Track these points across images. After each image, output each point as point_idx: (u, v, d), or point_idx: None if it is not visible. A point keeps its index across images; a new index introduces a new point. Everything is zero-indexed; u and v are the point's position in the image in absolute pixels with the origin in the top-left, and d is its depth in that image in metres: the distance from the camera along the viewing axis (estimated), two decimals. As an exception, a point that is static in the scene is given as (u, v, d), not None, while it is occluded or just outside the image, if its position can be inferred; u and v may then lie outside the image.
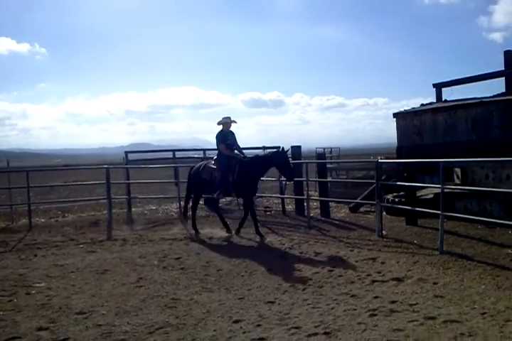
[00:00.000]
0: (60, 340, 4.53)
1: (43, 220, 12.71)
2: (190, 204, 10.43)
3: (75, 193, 18.66)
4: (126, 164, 13.66)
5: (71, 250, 8.76)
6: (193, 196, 10.37)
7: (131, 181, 13.56)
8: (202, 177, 9.83)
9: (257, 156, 9.97)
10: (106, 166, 12.39)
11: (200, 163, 10.37)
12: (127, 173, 13.36)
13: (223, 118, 9.71)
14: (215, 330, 4.66)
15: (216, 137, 9.66)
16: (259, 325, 4.74)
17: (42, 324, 4.95)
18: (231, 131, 9.78)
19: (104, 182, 12.10)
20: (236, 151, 9.70)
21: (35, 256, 8.35)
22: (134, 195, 14.28)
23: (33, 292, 6.13)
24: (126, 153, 14.06)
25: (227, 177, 9.36)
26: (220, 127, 9.74)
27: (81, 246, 9.11)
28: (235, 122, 9.78)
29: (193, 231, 9.97)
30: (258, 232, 9.31)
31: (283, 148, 9.48)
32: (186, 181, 10.46)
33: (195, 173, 10.09)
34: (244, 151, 9.92)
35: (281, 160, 9.21)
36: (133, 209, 13.56)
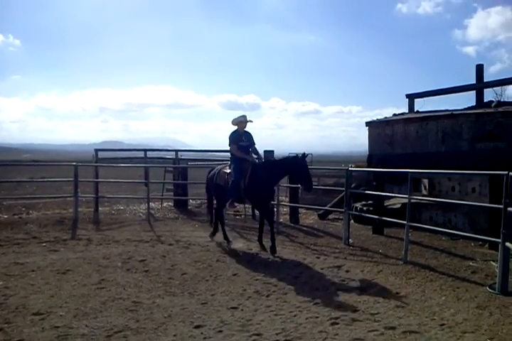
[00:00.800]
0: (13, 342, 4.40)
1: (5, 216, 12.36)
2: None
3: (42, 190, 18.27)
4: (95, 162, 13.44)
5: (33, 248, 8.55)
6: (215, 203, 9.48)
7: (99, 180, 13.34)
8: (217, 183, 9.06)
9: (272, 160, 9.25)
10: (74, 163, 12.17)
11: (217, 167, 9.53)
12: (96, 171, 13.14)
13: (238, 117, 8.78)
14: (175, 335, 4.60)
15: (229, 137, 8.73)
16: (220, 331, 4.70)
17: (-4, 324, 4.80)
18: (247, 132, 8.82)
19: (72, 179, 11.89)
20: (254, 155, 8.80)
21: (-5, 253, 8.11)
22: (102, 194, 14.06)
23: (-10, 291, 5.95)
24: (96, 150, 13.85)
25: (239, 182, 8.41)
26: (235, 127, 8.81)
27: (44, 244, 8.91)
28: (251, 122, 8.82)
29: (221, 240, 9.21)
30: (273, 247, 8.20)
31: (303, 154, 8.38)
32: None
33: (211, 178, 9.33)
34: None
35: (299, 167, 8.16)
36: (100, 209, 13.33)
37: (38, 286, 6.18)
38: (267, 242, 8.44)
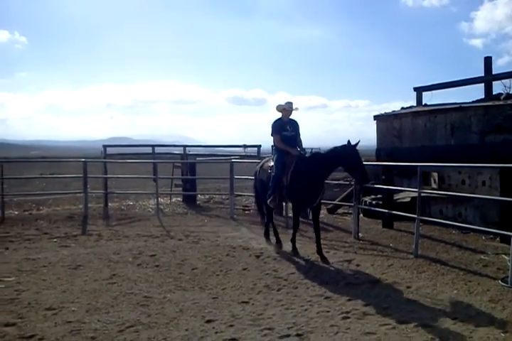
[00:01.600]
0: (27, 337, 4.42)
1: (16, 213, 12.45)
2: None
3: (51, 186, 18.35)
4: (104, 158, 13.48)
5: (44, 244, 8.60)
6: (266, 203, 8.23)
7: (108, 176, 13.39)
8: (260, 178, 8.34)
9: (319, 153, 7.91)
10: (83, 160, 12.21)
11: (263, 160, 8.73)
12: (105, 167, 13.19)
13: (283, 104, 7.87)
14: (186, 330, 4.61)
15: (271, 126, 7.88)
16: (231, 325, 4.71)
17: (9, 319, 4.83)
18: (293, 121, 7.94)
19: (81, 175, 11.95)
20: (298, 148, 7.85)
21: (7, 249, 8.17)
22: (111, 189, 14.11)
23: (2, 286, 5.98)
24: (105, 146, 13.89)
25: (280, 178, 7.55)
26: (279, 114, 7.95)
27: (54, 240, 8.95)
28: (296, 109, 7.89)
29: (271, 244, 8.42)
30: (319, 252, 7.46)
31: (349, 141, 7.06)
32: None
33: (255, 173, 8.62)
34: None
35: (351, 158, 7.05)
36: (109, 204, 13.39)
37: (50, 282, 6.22)
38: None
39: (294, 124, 7.94)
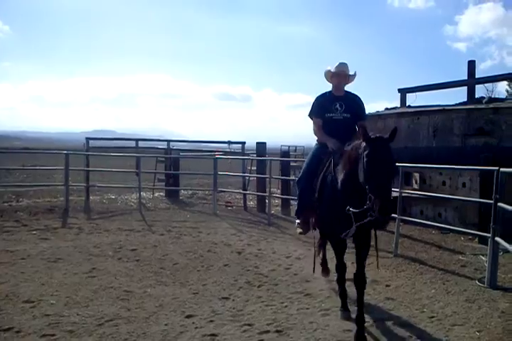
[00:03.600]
0: (4, 329, 4.37)
1: (-5, 204, 12.29)
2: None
3: (32, 178, 18.14)
4: (86, 151, 13.35)
5: (23, 236, 8.50)
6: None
7: (90, 168, 13.26)
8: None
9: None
10: (65, 152, 12.08)
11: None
12: (87, 160, 13.06)
13: (335, 67, 5.13)
14: (166, 325, 4.61)
15: (312, 104, 5.29)
16: (211, 321, 4.72)
17: (-14, 312, 4.78)
18: (349, 95, 5.20)
19: (63, 168, 11.82)
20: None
21: (-15, 240, 8.06)
22: (93, 182, 13.98)
23: (-21, 278, 5.92)
24: (88, 139, 13.75)
25: (309, 181, 4.99)
26: (329, 87, 5.25)
27: (34, 232, 8.85)
28: (353, 76, 5.22)
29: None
30: (360, 309, 4.44)
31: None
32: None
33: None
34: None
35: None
36: (91, 198, 13.25)
37: (29, 274, 6.15)
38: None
39: (351, 101, 5.12)
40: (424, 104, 12.99)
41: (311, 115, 5.28)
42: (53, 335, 4.29)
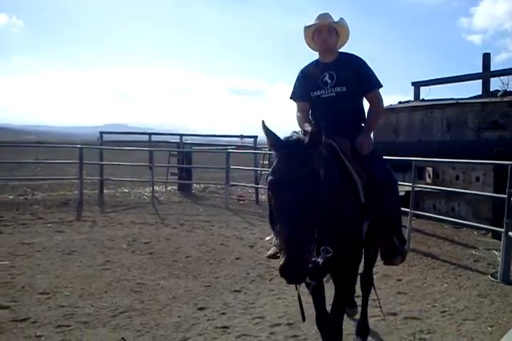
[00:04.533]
0: (20, 320, 4.46)
1: (11, 197, 12.45)
2: None
3: (46, 171, 18.32)
4: (100, 145, 13.46)
5: (38, 229, 8.63)
6: None
7: (104, 162, 13.38)
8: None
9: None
10: (79, 146, 12.20)
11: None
12: (101, 154, 13.18)
13: (316, 18, 3.62)
14: (179, 316, 4.66)
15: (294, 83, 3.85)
16: (223, 313, 4.76)
17: (3, 302, 4.87)
18: (341, 58, 3.62)
19: (77, 161, 11.95)
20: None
21: (1, 233, 8.20)
22: (106, 176, 14.10)
23: (-3, 269, 6.03)
24: (101, 133, 13.86)
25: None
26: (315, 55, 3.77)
27: (49, 225, 8.97)
28: (343, 28, 3.66)
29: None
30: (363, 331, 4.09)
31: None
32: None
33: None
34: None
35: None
36: (105, 191, 13.38)
37: (44, 266, 6.25)
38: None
39: (345, 67, 3.52)
40: (438, 98, 12.91)
41: (292, 97, 3.83)
42: (68, 326, 4.36)
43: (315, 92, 3.60)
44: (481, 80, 12.63)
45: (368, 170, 3.25)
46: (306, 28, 3.65)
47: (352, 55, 3.63)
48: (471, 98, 11.71)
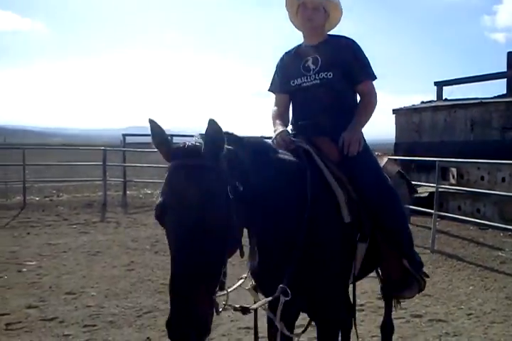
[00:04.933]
0: (48, 319, 4.54)
1: (37, 198, 12.68)
2: None
3: (71, 173, 18.60)
4: (123, 147, 13.61)
5: (64, 230, 8.78)
6: None
7: (127, 164, 13.52)
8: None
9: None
10: (103, 148, 12.36)
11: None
12: (124, 156, 13.32)
13: None
14: (203, 317, 4.68)
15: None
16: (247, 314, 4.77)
17: (31, 302, 4.97)
18: (329, 40, 2.86)
19: (101, 163, 12.11)
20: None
21: (28, 234, 8.36)
22: (130, 178, 14.25)
23: (24, 270, 6.16)
24: (124, 135, 14.01)
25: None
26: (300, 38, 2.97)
27: (74, 226, 9.12)
28: (334, 3, 2.81)
29: None
30: None
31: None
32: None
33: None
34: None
35: None
36: (128, 193, 13.52)
37: (70, 267, 6.36)
38: None
39: (332, 50, 2.80)
40: (461, 97, 12.75)
41: (271, 89, 3.09)
42: (94, 326, 4.43)
43: (295, 81, 2.85)
44: (505, 79, 12.45)
45: (355, 175, 2.57)
46: (290, 1, 2.91)
47: (344, 37, 2.91)
48: (495, 97, 11.55)
